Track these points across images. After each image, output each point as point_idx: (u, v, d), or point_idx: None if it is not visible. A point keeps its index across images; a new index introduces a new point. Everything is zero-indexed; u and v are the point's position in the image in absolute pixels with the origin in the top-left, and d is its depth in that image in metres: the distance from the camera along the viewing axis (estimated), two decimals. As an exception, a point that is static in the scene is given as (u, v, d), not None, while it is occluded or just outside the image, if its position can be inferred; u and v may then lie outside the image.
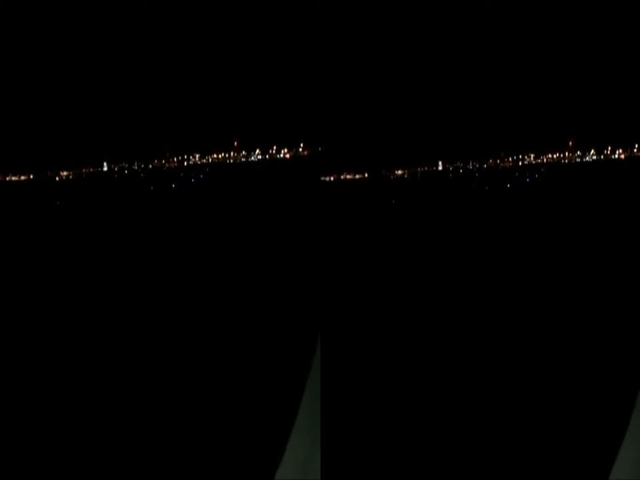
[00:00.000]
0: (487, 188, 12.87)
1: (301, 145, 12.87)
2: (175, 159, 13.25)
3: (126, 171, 13.15)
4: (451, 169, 12.87)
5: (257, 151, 13.07)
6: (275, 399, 6.86)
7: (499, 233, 12.31)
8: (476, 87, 12.53)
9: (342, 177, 12.77)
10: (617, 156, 12.55)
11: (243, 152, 13.13)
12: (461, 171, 12.83)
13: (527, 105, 12.56)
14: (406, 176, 12.93)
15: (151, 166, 13.25)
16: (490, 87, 12.51)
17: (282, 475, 6.17)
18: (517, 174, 12.80)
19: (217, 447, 6.53)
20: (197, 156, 13.29)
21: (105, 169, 13.18)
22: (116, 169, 13.14)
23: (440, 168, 12.90)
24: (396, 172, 12.90)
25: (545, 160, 12.81)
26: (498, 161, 12.77)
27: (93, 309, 9.58)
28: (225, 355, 8.17)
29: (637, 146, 12.50)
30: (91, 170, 13.09)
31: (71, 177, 13.08)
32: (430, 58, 12.51)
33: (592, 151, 12.64)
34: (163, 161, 13.26)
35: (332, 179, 12.47)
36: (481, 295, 9.70)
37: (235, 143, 13.10)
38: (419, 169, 12.94)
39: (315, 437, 6.16)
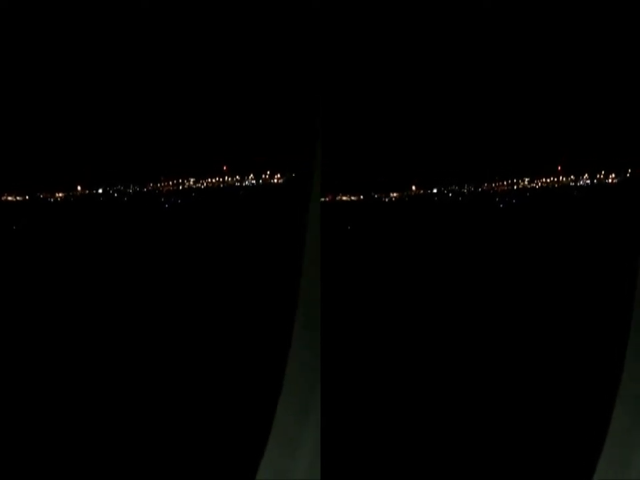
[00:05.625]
0: (480, 211, 12.95)
1: (293, 171, 12.93)
2: (170, 183, 13.28)
3: (116, 194, 13.19)
4: (445, 191, 12.95)
5: (251, 175, 13.12)
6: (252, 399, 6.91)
7: (489, 254, 12.37)
8: (473, 111, 12.65)
9: (337, 198, 12.88)
10: (610, 180, 12.66)
11: (237, 176, 13.18)
12: (450, 194, 12.91)
13: (524, 130, 12.69)
14: (400, 198, 13.02)
15: (145, 189, 13.28)
16: (487, 109, 12.63)
17: (282, 475, 6.12)
18: (511, 197, 12.88)
19: (202, 443, 6.56)
20: (192, 180, 13.33)
21: (100, 191, 13.22)
22: (111, 191, 13.18)
23: (435, 191, 12.98)
24: (391, 194, 12.99)
25: (539, 184, 12.91)
26: (493, 185, 12.85)
27: (92, 316, 9.65)
28: (219, 365, 8.23)
29: (629, 171, 12.62)
30: (86, 192, 13.13)
31: (63, 198, 13.14)
32: (427, 83, 12.63)
33: (585, 175, 12.75)
34: (158, 185, 13.29)
35: (328, 199, 12.57)
36: (471, 311, 9.82)
37: (225, 168, 13.16)
38: (413, 192, 13.02)
39: (315, 437, 6.12)
